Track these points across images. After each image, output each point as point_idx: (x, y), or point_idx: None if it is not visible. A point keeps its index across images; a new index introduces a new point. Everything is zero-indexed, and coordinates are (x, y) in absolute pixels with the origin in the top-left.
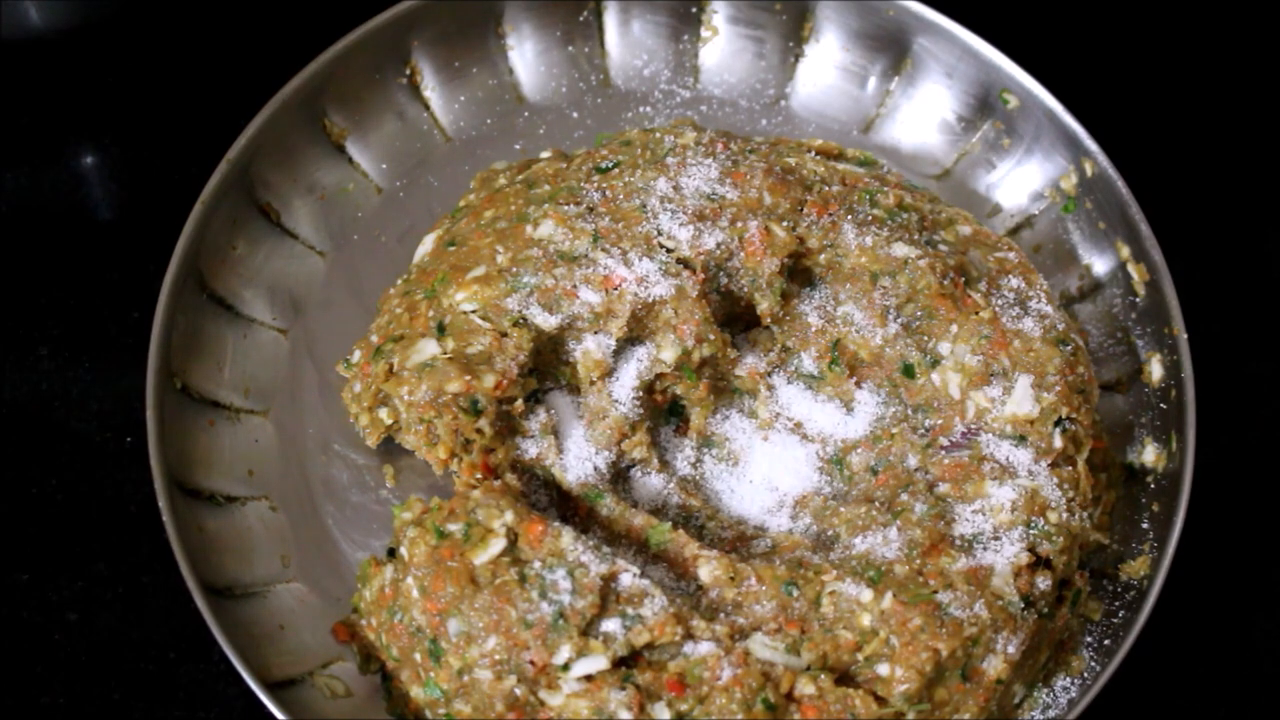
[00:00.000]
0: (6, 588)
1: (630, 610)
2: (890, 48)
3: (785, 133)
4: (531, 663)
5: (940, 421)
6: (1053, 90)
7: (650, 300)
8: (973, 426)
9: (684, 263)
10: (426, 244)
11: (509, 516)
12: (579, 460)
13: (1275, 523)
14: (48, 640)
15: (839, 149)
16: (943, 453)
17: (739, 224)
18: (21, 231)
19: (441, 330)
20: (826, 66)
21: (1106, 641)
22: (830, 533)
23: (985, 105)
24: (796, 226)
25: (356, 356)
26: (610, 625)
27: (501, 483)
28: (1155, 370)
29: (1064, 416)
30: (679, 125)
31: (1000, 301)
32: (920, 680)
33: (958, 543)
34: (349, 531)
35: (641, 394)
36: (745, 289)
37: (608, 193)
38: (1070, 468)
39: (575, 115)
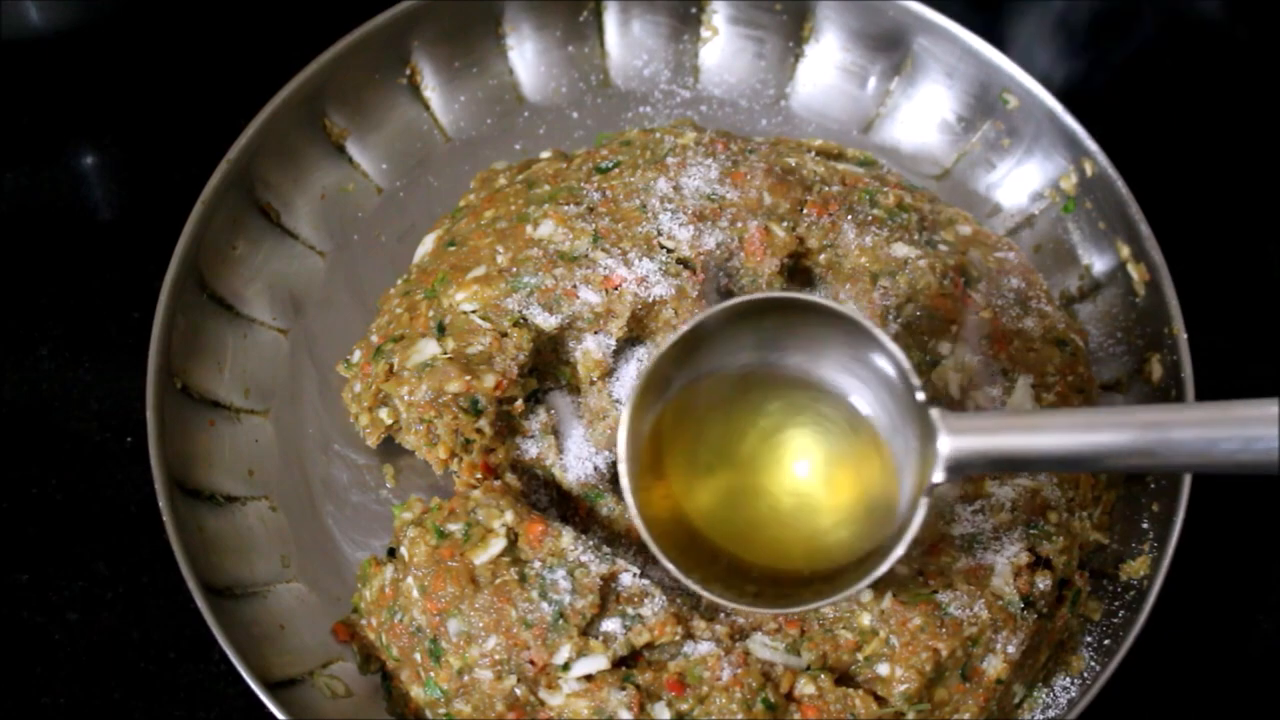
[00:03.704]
0: (6, 588)
1: (630, 610)
2: (890, 48)
3: (785, 133)
4: (531, 662)
5: None
6: (1053, 90)
7: (650, 300)
8: None
9: (684, 263)
10: (426, 244)
11: (509, 516)
12: (579, 460)
13: (1275, 523)
14: (48, 640)
15: (839, 149)
16: None
17: (739, 224)
18: (21, 231)
19: (441, 330)
20: (826, 66)
21: (1106, 641)
22: None
23: (985, 105)
24: (796, 226)
25: (356, 356)
26: (610, 625)
27: (501, 483)
28: (1155, 370)
29: None
30: (679, 125)
31: (1000, 301)
32: (920, 680)
33: (958, 543)
34: (349, 531)
35: None
36: (745, 289)
37: (608, 193)
38: None
39: (575, 115)
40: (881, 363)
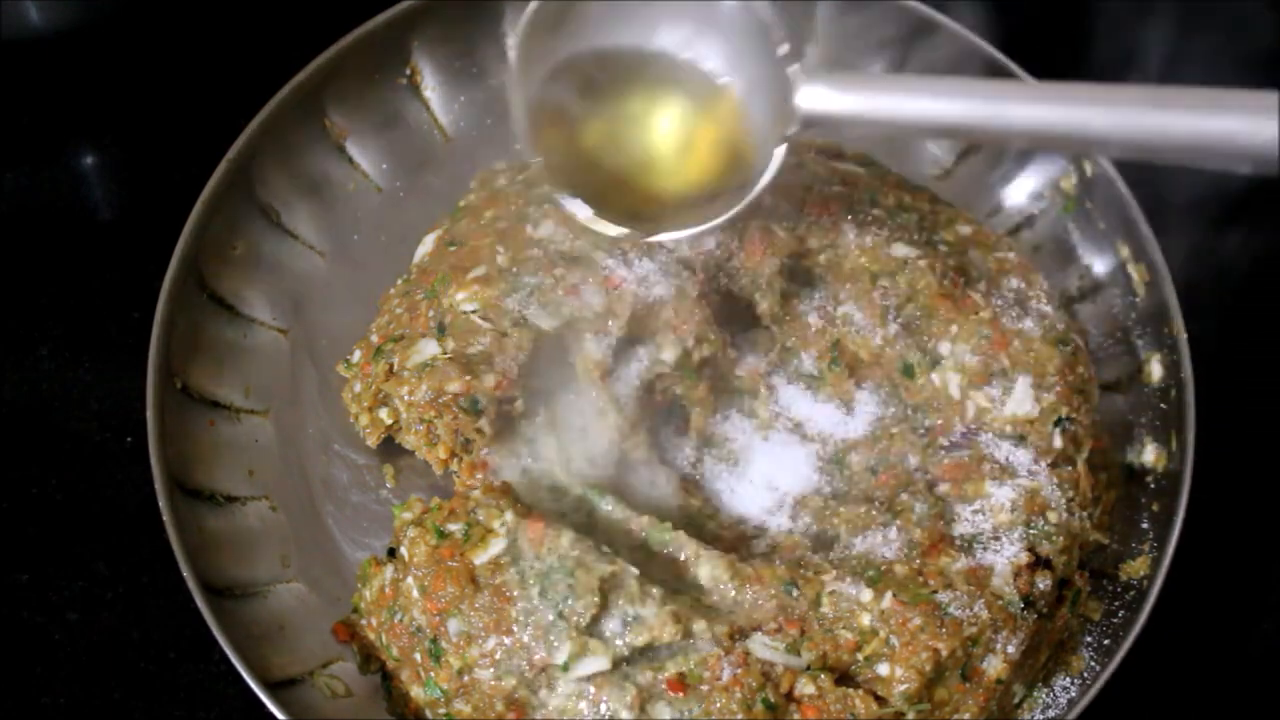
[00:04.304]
0: (6, 588)
1: (631, 611)
2: (890, 48)
3: None
4: (531, 663)
5: (940, 421)
6: None
7: (650, 300)
8: (972, 426)
9: (684, 263)
10: (427, 244)
11: (509, 516)
12: (579, 460)
13: (1275, 523)
14: (48, 640)
15: (839, 149)
16: (943, 453)
17: (739, 224)
18: (21, 231)
19: (442, 330)
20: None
21: (1106, 641)
22: (830, 533)
23: None
24: (796, 226)
25: (357, 356)
26: (610, 625)
27: (501, 482)
28: (1155, 370)
29: (1064, 416)
30: None
31: (1000, 301)
32: (920, 680)
33: (957, 542)
34: (349, 531)
35: (641, 394)
36: (745, 289)
37: None
38: (1070, 468)
39: None
40: (745, 20)
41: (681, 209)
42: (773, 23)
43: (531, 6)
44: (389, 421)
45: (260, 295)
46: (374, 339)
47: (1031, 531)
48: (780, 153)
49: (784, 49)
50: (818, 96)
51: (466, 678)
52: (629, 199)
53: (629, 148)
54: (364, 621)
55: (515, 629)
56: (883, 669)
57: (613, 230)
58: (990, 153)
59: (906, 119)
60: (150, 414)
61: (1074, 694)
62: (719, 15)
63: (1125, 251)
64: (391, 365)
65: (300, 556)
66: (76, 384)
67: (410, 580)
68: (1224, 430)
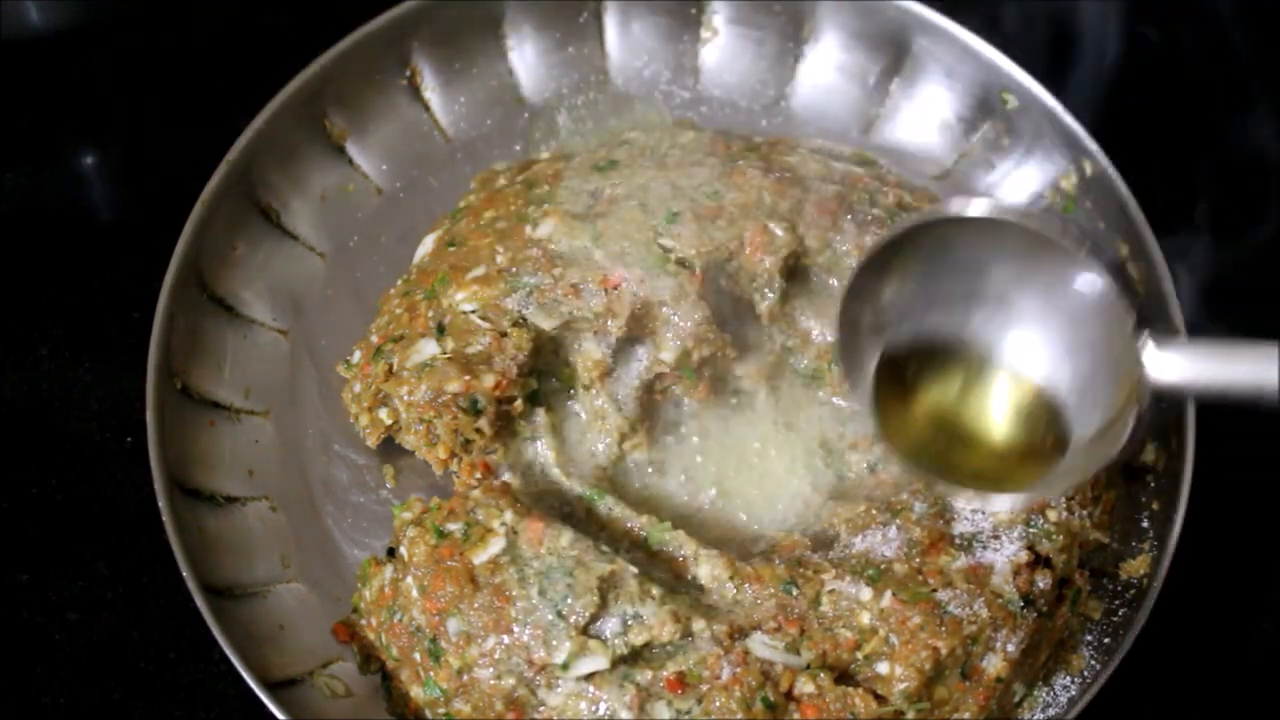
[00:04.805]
0: (6, 588)
1: (630, 610)
2: (890, 48)
3: (785, 133)
4: (531, 662)
5: None
6: (1053, 90)
7: (650, 300)
8: None
9: (683, 263)
10: (426, 244)
11: (509, 516)
12: (579, 460)
13: (1275, 523)
14: (48, 640)
15: (838, 149)
16: None
17: (738, 224)
18: (21, 231)
19: (441, 330)
20: (826, 67)
21: (1106, 640)
22: (830, 532)
23: (985, 105)
24: (796, 226)
25: (356, 357)
26: (610, 625)
27: (501, 482)
28: None
29: None
30: (679, 125)
31: None
32: (920, 679)
33: (957, 541)
34: (349, 531)
35: (641, 394)
36: (745, 289)
37: (607, 192)
38: None
39: None
40: (1089, 300)
41: (1008, 465)
42: (1118, 298)
43: (845, 294)
44: (389, 421)
45: (260, 295)
46: (374, 339)
47: (1031, 530)
48: (1133, 424)
49: (1131, 322)
50: (1170, 366)
51: (466, 677)
52: (962, 461)
53: (953, 419)
54: (364, 621)
55: (515, 628)
56: (882, 667)
57: (958, 495)
58: (990, 153)
59: (1267, 388)
60: (150, 414)
61: (1074, 693)
62: (1058, 295)
63: (1125, 251)
64: (391, 365)
65: (300, 556)
66: (76, 384)
67: (410, 580)
68: (1224, 430)
